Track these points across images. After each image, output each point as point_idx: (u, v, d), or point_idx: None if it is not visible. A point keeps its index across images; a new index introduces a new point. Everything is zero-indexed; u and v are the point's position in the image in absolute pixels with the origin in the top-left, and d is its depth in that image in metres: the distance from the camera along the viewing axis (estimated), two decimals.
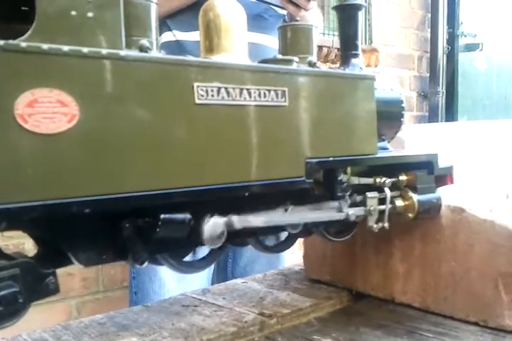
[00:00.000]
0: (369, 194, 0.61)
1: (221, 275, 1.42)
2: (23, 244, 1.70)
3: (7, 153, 0.35)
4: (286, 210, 0.55)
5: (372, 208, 0.61)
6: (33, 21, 0.38)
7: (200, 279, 1.27)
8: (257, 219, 0.51)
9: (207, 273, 1.31)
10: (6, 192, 0.35)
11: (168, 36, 1.23)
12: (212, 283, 1.33)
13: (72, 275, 1.86)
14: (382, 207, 0.62)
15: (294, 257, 1.43)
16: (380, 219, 0.63)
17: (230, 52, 0.53)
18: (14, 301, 0.39)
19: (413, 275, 0.72)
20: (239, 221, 0.50)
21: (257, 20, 1.21)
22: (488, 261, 0.63)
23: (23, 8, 0.50)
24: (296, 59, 0.54)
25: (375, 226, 0.63)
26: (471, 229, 0.65)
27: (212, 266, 1.36)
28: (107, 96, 0.39)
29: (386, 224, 0.63)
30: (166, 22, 1.22)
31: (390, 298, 0.75)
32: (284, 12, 1.25)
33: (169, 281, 1.22)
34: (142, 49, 0.45)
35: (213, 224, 0.48)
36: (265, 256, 1.35)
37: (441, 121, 3.14)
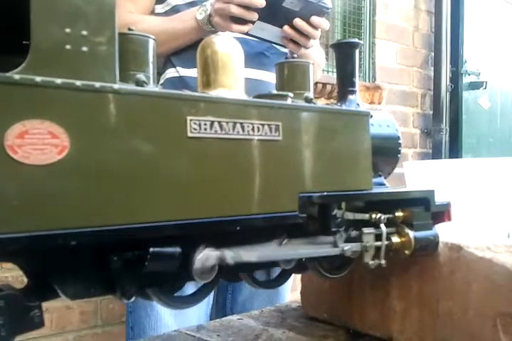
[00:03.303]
0: (365, 229, 0.60)
1: (220, 311, 1.40)
2: (22, 275, 1.69)
3: None
4: (280, 244, 0.55)
5: (368, 244, 0.60)
6: None
7: (198, 315, 1.25)
8: (250, 254, 0.50)
9: (205, 308, 1.29)
10: None
11: (172, 72, 1.25)
12: (211, 319, 1.31)
13: (70, 308, 1.83)
14: (379, 243, 0.61)
15: (295, 293, 1.40)
16: (376, 255, 0.62)
17: (227, 87, 0.54)
18: None
19: (411, 314, 0.70)
20: (232, 256, 0.49)
21: (259, 58, 1.23)
22: (487, 300, 0.62)
23: (24, 42, 0.51)
24: (290, 94, 0.55)
25: (371, 262, 0.61)
26: (468, 267, 0.64)
27: (211, 301, 1.34)
28: (99, 128, 0.40)
29: (383, 261, 0.62)
30: (170, 59, 1.25)
31: (388, 338, 0.73)
32: (286, 50, 1.27)
33: (166, 316, 1.20)
34: (138, 83, 0.46)
35: (204, 257, 0.47)
36: (265, 292, 1.33)
37: (445, 158, 3.14)
